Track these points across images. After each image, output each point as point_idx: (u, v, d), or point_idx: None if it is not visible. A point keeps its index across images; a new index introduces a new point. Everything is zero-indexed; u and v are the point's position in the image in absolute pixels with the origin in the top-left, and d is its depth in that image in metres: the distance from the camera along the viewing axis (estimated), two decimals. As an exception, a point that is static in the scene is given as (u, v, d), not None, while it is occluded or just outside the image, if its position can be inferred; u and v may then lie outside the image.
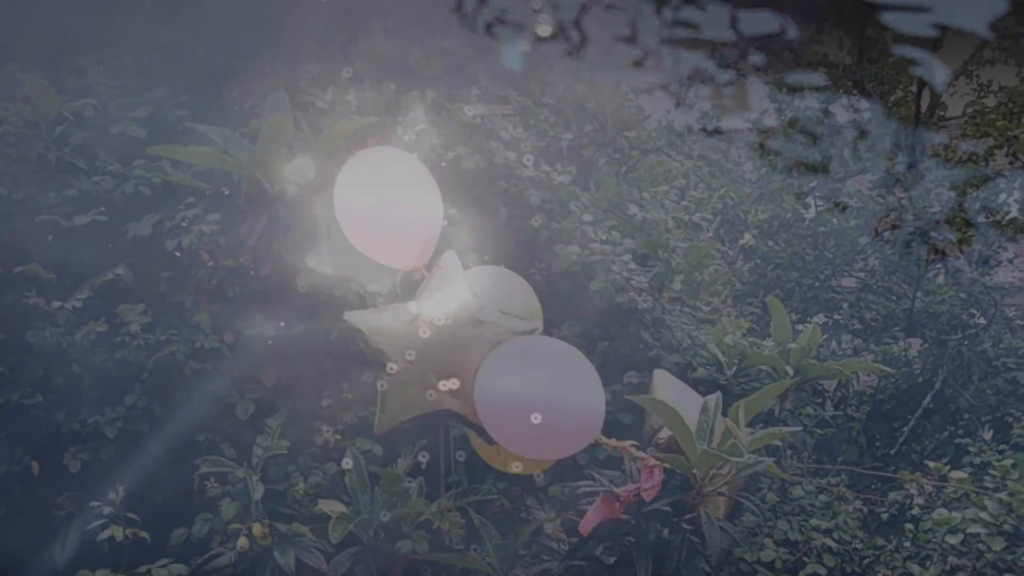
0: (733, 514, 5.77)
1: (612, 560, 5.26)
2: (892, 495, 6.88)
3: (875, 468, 8.63)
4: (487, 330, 4.93)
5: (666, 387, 5.30)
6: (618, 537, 5.22)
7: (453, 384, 4.81)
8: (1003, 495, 5.86)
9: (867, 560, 6.49)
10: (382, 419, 4.84)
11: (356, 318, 4.99)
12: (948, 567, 6.34)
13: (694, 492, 4.95)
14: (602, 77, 7.21)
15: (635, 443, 5.00)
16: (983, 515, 5.90)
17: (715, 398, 5.11)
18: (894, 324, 9.91)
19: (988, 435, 8.33)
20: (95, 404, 5.83)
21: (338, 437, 6.00)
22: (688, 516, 5.06)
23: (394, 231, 5.19)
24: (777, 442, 6.16)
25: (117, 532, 5.11)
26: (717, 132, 10.04)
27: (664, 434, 5.04)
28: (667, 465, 4.91)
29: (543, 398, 4.66)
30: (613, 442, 4.90)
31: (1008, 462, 6.11)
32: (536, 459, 5.12)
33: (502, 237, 6.52)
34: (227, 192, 5.98)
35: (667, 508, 5.11)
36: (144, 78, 6.45)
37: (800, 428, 6.27)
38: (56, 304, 5.59)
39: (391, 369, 4.81)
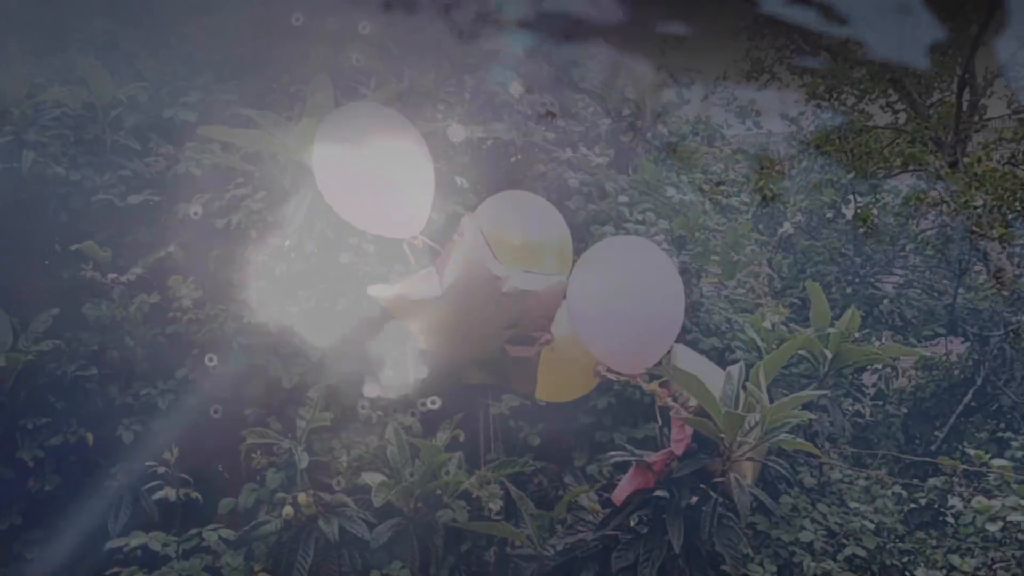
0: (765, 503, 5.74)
1: (646, 530, 5.31)
2: (931, 481, 6.86)
3: (915, 461, 8.56)
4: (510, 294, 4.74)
5: (685, 359, 5.33)
6: (651, 506, 5.27)
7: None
8: (1045, 480, 5.85)
9: (907, 555, 6.48)
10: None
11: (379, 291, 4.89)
12: (988, 560, 6.32)
13: (723, 458, 5.00)
14: (641, 66, 7.33)
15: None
16: (1024, 502, 5.88)
17: (738, 367, 5.14)
18: (935, 321, 9.87)
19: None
20: (147, 377, 6.04)
21: (379, 413, 6.13)
22: (717, 481, 5.10)
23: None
24: (810, 419, 6.13)
25: (171, 493, 5.27)
26: (756, 126, 10.14)
27: (692, 403, 5.08)
28: (695, 428, 4.97)
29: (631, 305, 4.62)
30: (652, 385, 4.95)
31: (1051, 451, 6.10)
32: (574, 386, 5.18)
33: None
34: (274, 173, 6.16)
35: (696, 476, 5.15)
36: (193, 64, 6.69)
37: (826, 392, 6.26)
38: (112, 275, 5.81)
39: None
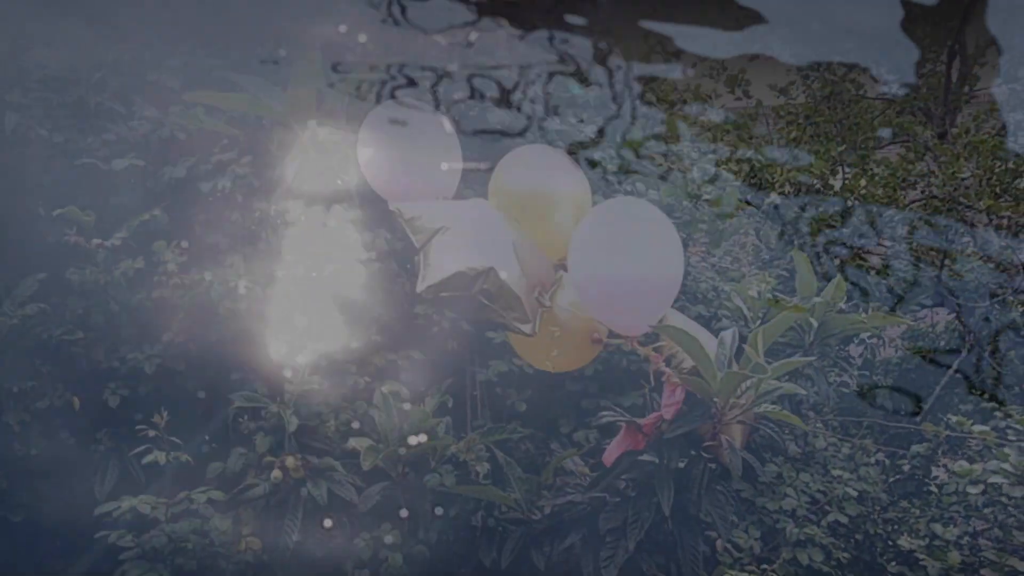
0: (753, 467, 5.79)
1: (634, 493, 5.35)
2: (915, 448, 6.90)
3: (899, 431, 8.60)
4: None
5: (676, 321, 5.36)
6: (640, 469, 5.30)
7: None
8: (1024, 443, 5.90)
9: (890, 524, 6.52)
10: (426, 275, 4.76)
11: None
12: (971, 528, 6.38)
13: (715, 420, 5.02)
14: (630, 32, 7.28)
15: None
16: (1004, 465, 5.94)
17: (731, 332, 5.16)
18: (921, 292, 9.89)
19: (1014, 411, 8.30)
20: (133, 342, 6.02)
21: (367, 379, 6.14)
22: (707, 444, 5.13)
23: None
24: (800, 393, 6.18)
25: (160, 457, 5.26)
26: (746, 95, 10.12)
27: (687, 364, 5.10)
28: (688, 388, 4.99)
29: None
30: (647, 349, 4.98)
31: (1031, 415, 6.15)
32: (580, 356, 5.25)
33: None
34: (260, 138, 6.13)
35: (688, 437, 5.17)
36: (178, 28, 6.63)
37: (814, 358, 6.27)
38: (96, 241, 5.78)
39: None
